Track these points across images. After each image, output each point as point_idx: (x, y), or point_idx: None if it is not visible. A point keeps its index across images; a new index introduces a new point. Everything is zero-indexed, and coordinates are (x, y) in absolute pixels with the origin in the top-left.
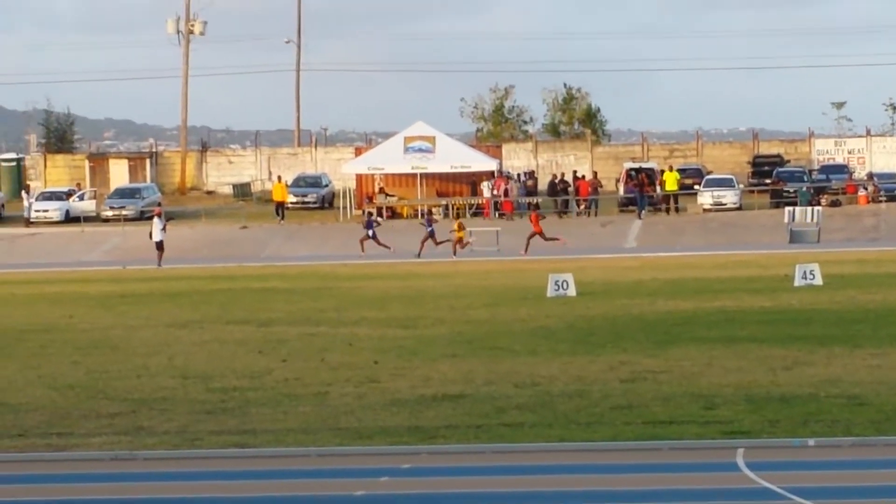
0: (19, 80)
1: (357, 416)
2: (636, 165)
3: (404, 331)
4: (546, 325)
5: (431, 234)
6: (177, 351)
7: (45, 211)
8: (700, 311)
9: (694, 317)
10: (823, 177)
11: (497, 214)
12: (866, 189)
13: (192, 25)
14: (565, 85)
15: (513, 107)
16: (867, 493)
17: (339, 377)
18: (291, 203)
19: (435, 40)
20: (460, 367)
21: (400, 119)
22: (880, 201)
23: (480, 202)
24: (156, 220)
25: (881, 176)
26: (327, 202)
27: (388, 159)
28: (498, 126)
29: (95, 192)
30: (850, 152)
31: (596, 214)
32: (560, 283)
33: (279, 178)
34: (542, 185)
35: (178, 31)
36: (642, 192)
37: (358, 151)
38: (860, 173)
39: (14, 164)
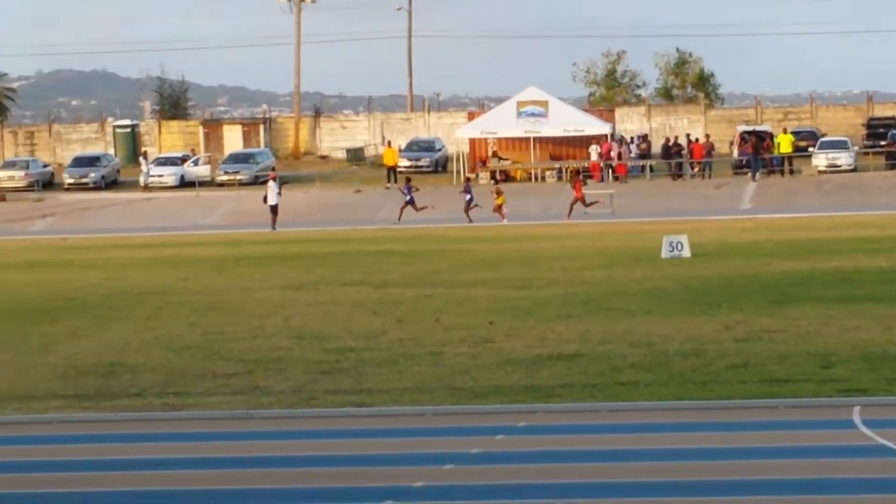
0: (134, 48)
1: (472, 376)
2: (750, 128)
3: (518, 292)
4: (661, 286)
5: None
6: (292, 312)
7: (161, 176)
8: (816, 272)
9: (810, 277)
10: None
11: (612, 177)
12: None
13: None
14: (678, 49)
15: (625, 71)
16: None
17: (454, 337)
18: (405, 167)
19: (547, 5)
20: (576, 328)
21: (512, 84)
22: None
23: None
24: (271, 184)
25: None
26: (441, 166)
27: (501, 124)
28: (610, 90)
29: (210, 157)
30: None
31: (710, 177)
32: (675, 245)
33: (389, 142)
34: (656, 148)
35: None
36: (756, 154)
37: (471, 116)
38: None
39: (129, 130)
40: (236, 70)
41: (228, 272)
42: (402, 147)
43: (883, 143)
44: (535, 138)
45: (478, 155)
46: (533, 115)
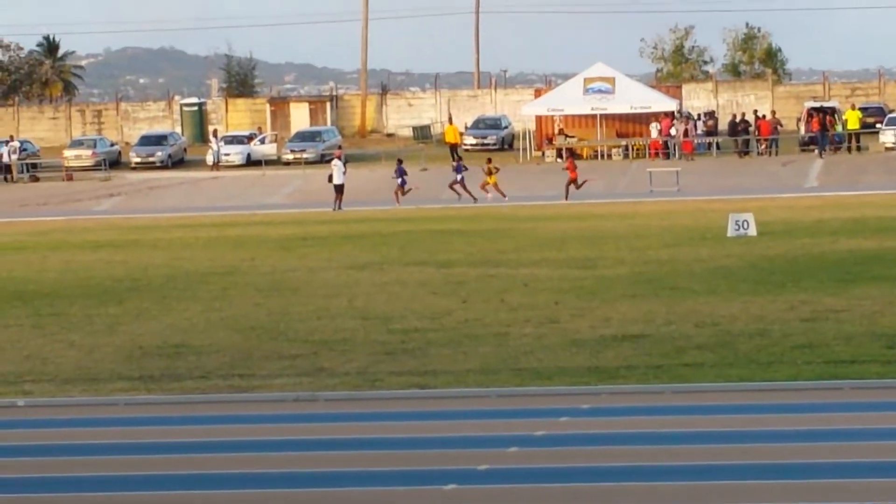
0: (201, 25)
1: (537, 357)
2: (817, 104)
3: (583, 271)
4: (726, 265)
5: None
6: (357, 292)
7: (227, 154)
8: (882, 251)
9: (876, 256)
10: None
11: (678, 155)
12: None
13: None
14: (747, 24)
15: (693, 47)
16: None
17: (519, 318)
18: (471, 145)
19: None
20: (640, 308)
21: (579, 60)
22: None
23: (643, 143)
24: (337, 162)
25: None
26: (507, 143)
27: (568, 101)
28: (678, 66)
29: (276, 135)
30: None
31: (777, 154)
32: (740, 223)
33: (450, 119)
34: (723, 125)
35: None
36: (823, 130)
37: (537, 93)
38: None
39: (196, 108)
40: (303, 47)
41: (293, 252)
42: (469, 125)
43: None
44: (601, 115)
45: (544, 132)
46: (600, 91)
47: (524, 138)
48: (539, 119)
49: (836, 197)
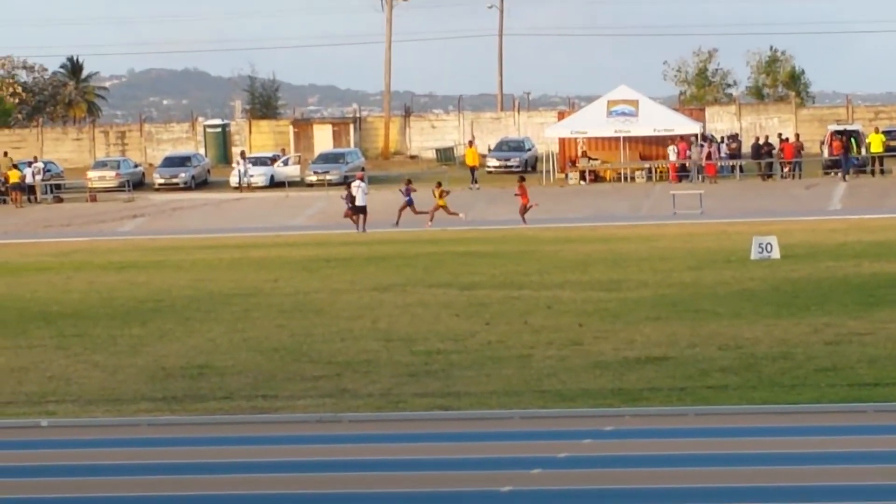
0: (224, 46)
1: (560, 379)
2: (841, 127)
3: (607, 293)
4: (750, 288)
5: (410, 203)
6: (380, 314)
7: (251, 176)
8: None
9: None
10: None
11: (700, 178)
12: None
13: None
14: (771, 47)
15: (716, 70)
16: None
17: (542, 340)
18: (494, 167)
19: (638, 3)
20: (664, 330)
21: (602, 83)
22: None
23: (666, 166)
24: (360, 184)
25: None
26: (530, 166)
27: (591, 123)
28: (701, 89)
29: (300, 157)
30: None
31: (800, 177)
32: (764, 246)
33: (470, 142)
34: (746, 147)
35: None
36: (846, 153)
37: (561, 115)
38: None
39: (219, 130)
40: (327, 69)
41: (317, 273)
42: (492, 147)
43: None
44: (624, 138)
45: (567, 155)
46: (623, 114)
47: (547, 161)
48: (562, 141)
49: (859, 220)
